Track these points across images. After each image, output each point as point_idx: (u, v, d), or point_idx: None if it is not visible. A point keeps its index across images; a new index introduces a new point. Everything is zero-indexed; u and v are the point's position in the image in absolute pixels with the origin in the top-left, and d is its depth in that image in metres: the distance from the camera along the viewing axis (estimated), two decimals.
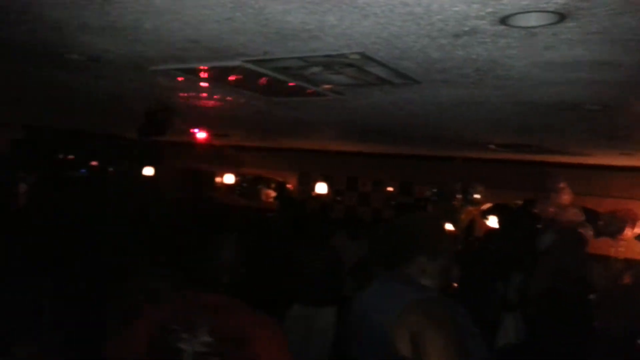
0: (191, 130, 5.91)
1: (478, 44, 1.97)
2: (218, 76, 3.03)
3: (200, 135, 6.04)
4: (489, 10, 1.61)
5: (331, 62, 2.48)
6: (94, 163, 9.84)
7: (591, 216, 6.02)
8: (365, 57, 2.27)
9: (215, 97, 3.85)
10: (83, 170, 9.44)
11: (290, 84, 3.03)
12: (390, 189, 8.08)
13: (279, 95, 3.51)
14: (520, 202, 6.85)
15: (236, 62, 2.60)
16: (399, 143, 6.26)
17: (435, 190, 7.12)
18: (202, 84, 3.32)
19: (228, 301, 2.07)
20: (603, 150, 5.01)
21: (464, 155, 6.76)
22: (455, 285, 3.27)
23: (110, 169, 9.36)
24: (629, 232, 5.88)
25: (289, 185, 9.00)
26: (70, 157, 9.84)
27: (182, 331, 1.92)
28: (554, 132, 4.17)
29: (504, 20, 1.69)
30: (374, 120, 4.40)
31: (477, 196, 6.55)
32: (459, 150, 6.30)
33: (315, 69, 2.68)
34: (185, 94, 3.81)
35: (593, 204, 6.20)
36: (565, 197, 6.01)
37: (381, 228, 2.21)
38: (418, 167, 7.55)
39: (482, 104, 3.17)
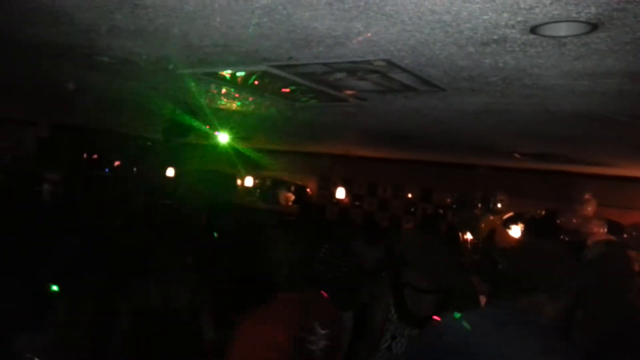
0: (215, 133, 5.97)
1: (506, 52, 1.95)
2: (243, 80, 3.05)
3: (223, 137, 6.10)
4: (519, 19, 1.60)
5: (356, 69, 2.48)
6: (117, 163, 10.01)
7: (615, 228, 5.90)
8: (391, 63, 2.26)
9: (239, 100, 3.88)
10: (107, 170, 9.61)
11: (314, 89, 3.04)
12: (410, 195, 8.03)
13: (302, 100, 3.52)
14: (543, 211, 6.78)
15: (261, 67, 2.62)
16: (420, 149, 6.23)
17: (455, 197, 7.07)
18: (228, 87, 3.35)
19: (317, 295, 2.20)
20: (629, 161, 4.91)
21: (487, 163, 6.69)
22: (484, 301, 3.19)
23: (134, 169, 9.50)
24: None
25: (308, 190, 9.02)
26: (95, 156, 10.03)
27: (310, 329, 2.00)
28: (581, 143, 4.10)
29: (534, 30, 1.67)
30: (396, 127, 4.39)
31: (498, 205, 6.49)
32: (483, 157, 6.23)
33: (339, 75, 2.68)
34: (211, 98, 3.85)
35: (617, 216, 6.09)
36: (589, 209, 5.91)
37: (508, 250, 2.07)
38: (439, 174, 7.50)
39: (508, 112, 3.14)
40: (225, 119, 5.14)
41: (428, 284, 2.95)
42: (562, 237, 5.95)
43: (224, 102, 4.02)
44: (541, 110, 2.97)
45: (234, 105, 4.10)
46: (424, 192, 7.88)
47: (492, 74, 2.27)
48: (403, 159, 7.70)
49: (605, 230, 5.86)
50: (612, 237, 5.84)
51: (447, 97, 2.86)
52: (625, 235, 5.84)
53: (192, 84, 3.31)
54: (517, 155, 5.27)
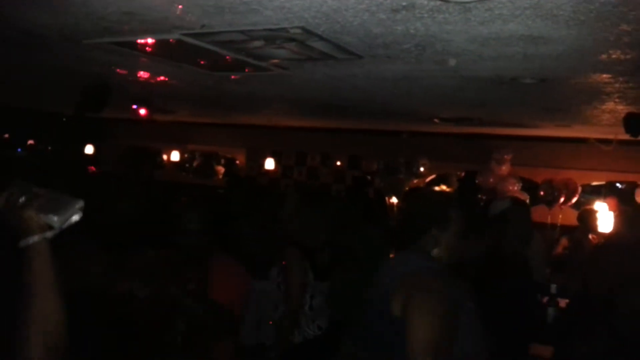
0: (133, 107, 5.71)
1: (416, 19, 1.99)
2: (156, 50, 2.93)
3: (143, 111, 5.85)
4: None
5: (273, 37, 2.45)
6: (31, 142, 9.39)
7: (529, 185, 6.32)
8: (307, 31, 2.25)
9: (155, 71, 3.73)
10: (19, 150, 8.99)
11: (233, 57, 2.97)
12: (339, 163, 8.14)
13: (222, 70, 3.43)
14: (462, 173, 7.11)
15: (174, 35, 2.52)
16: (347, 117, 6.30)
17: (381, 163, 7.26)
18: (141, 58, 3.20)
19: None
20: (541, 122, 5.23)
21: (410, 128, 6.87)
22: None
23: (49, 148, 8.96)
24: (565, 200, 6.22)
25: (237, 162, 8.91)
26: (6, 135, 9.35)
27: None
28: (494, 106, 4.30)
29: None
30: (320, 95, 4.40)
31: (421, 169, 6.73)
32: (405, 124, 6.40)
33: (257, 43, 2.64)
34: (124, 69, 3.67)
35: (531, 174, 6.50)
36: (505, 168, 6.28)
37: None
38: (366, 142, 7.63)
39: (425, 78, 3.23)
40: (144, 91, 4.93)
41: (311, 241, 3.15)
42: (480, 195, 6.30)
43: (139, 74, 3.85)
44: (455, 76, 3.08)
45: (151, 76, 3.93)
46: (351, 160, 8.01)
47: (405, 41, 2.32)
48: (331, 128, 7.76)
49: (519, 187, 6.27)
50: (526, 194, 6.26)
51: (365, 64, 2.89)
52: (541, 192, 6.26)
53: (103, 55, 3.13)
54: (436, 120, 5.45)
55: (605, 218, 5.43)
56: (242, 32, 2.40)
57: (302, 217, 3.26)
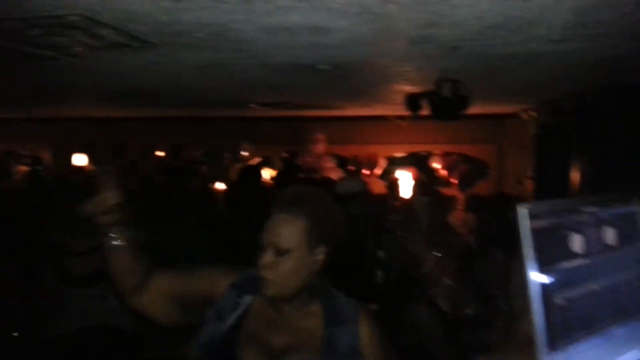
0: None
1: (202, 8, 2.01)
2: None
3: None
4: None
5: (53, 24, 2.26)
6: None
7: (341, 161, 6.85)
8: (88, 19, 2.13)
9: None
10: None
11: (11, 46, 2.68)
12: (160, 154, 7.85)
13: (8, 59, 3.08)
14: (285, 154, 7.40)
15: None
16: (163, 106, 6.09)
17: (205, 151, 7.20)
18: None
19: None
20: (345, 103, 5.67)
21: (230, 114, 6.91)
22: None
23: None
24: (372, 172, 6.89)
25: (43, 159, 8.05)
26: None
27: None
28: (300, 90, 4.55)
29: None
30: (124, 84, 4.19)
31: (244, 153, 6.84)
32: (224, 110, 6.41)
33: (37, 31, 2.41)
34: None
35: (341, 150, 7.05)
36: (321, 147, 6.71)
37: None
38: (187, 130, 7.48)
39: (227, 66, 3.28)
40: None
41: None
42: (302, 175, 6.64)
43: None
44: (256, 63, 3.19)
45: None
46: (173, 149, 7.78)
47: (197, 30, 2.33)
48: (150, 117, 7.43)
49: (335, 164, 6.76)
50: (342, 170, 6.78)
51: (163, 52, 2.84)
52: (350, 167, 6.81)
53: None
54: (253, 105, 5.58)
55: (406, 185, 6.14)
56: (20, 19, 2.19)
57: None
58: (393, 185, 6.15)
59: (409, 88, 4.15)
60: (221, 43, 2.61)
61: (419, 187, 6.03)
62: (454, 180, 6.73)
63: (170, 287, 1.43)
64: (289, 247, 1.31)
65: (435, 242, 2.31)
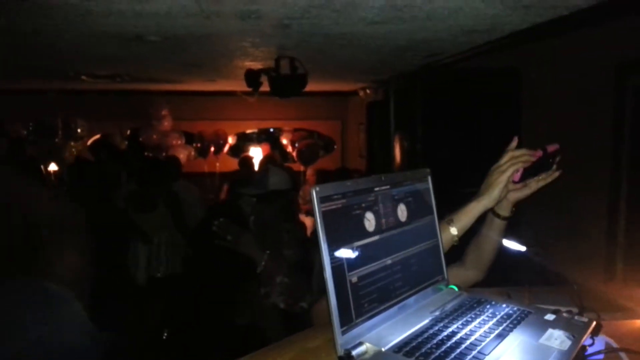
0: None
1: None
2: None
3: None
4: None
5: None
6: None
7: (190, 138, 6.64)
8: None
9: None
10: None
11: None
12: None
13: None
14: (128, 131, 6.94)
15: None
16: None
17: (32, 127, 6.45)
18: None
19: None
20: (186, 77, 5.45)
21: (59, 87, 6.22)
22: None
23: None
24: (216, 150, 6.77)
25: None
26: None
27: None
28: (135, 62, 4.26)
29: None
30: None
31: (79, 130, 6.28)
32: (51, 81, 5.75)
33: None
34: None
35: (189, 127, 6.83)
36: (166, 124, 6.41)
37: None
38: (9, 103, 6.59)
39: (46, 33, 2.94)
40: None
41: None
42: (147, 153, 6.28)
43: None
44: (78, 31, 2.90)
45: None
46: None
47: None
48: None
49: (183, 141, 6.52)
50: (190, 148, 6.56)
51: None
52: (197, 144, 6.63)
53: None
54: (84, 77, 5.11)
55: (259, 161, 6.16)
56: None
57: None
58: (247, 162, 6.12)
59: (252, 64, 4.12)
60: (35, 9, 2.32)
61: (269, 163, 6.08)
62: (295, 156, 6.89)
63: None
64: None
65: (268, 240, 2.29)
